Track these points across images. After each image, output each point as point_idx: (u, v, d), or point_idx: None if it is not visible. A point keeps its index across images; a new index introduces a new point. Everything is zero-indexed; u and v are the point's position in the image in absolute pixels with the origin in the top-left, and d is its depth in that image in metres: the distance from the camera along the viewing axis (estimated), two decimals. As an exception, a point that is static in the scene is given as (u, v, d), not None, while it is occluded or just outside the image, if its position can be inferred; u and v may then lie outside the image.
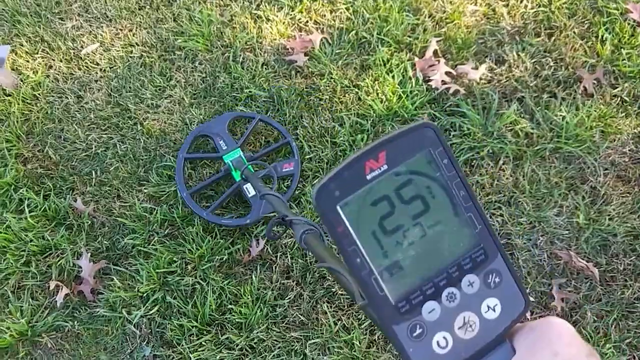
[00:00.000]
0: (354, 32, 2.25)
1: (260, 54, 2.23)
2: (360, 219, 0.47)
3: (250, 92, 2.15)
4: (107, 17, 2.37)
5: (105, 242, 1.95)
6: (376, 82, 2.15)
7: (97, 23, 2.36)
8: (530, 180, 1.98)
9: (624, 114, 2.07)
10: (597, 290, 1.83)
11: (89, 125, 2.16)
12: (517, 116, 2.06)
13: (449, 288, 0.48)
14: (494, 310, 0.49)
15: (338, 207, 0.46)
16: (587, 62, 2.15)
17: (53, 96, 2.22)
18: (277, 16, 2.31)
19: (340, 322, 1.80)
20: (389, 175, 0.47)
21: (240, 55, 2.24)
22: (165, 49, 2.27)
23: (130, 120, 2.14)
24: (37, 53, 2.31)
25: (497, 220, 1.92)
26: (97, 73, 2.25)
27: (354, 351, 1.74)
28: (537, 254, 1.88)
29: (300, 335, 1.79)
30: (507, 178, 1.99)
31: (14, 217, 1.95)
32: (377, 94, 2.12)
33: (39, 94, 2.22)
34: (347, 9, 2.31)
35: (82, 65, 2.27)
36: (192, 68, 2.22)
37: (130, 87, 2.20)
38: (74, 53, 2.30)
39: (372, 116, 2.08)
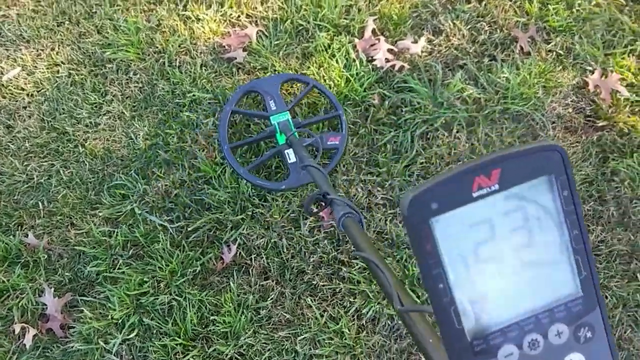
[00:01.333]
0: (289, 21, 2.28)
1: (197, 55, 2.22)
2: (454, 240, 0.43)
3: (193, 95, 2.13)
4: (24, 38, 2.27)
5: (66, 274, 1.89)
6: (321, 69, 2.19)
7: (14, 46, 2.26)
8: (485, 144, 2.09)
9: (560, 67, 2.22)
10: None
11: (25, 155, 2.08)
12: (463, 84, 2.16)
13: (534, 334, 0.44)
14: None
15: (431, 222, 0.41)
16: (519, 21, 2.29)
17: (-21, 130, 2.12)
18: (207, 14, 2.30)
19: (326, 313, 1.84)
20: (498, 197, 0.42)
21: (176, 59, 2.21)
22: (94, 64, 2.21)
23: (69, 144, 2.08)
24: (-49, 86, 2.20)
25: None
26: (24, 99, 2.16)
27: (345, 339, 1.79)
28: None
29: (289, 334, 1.81)
30: (463, 145, 2.09)
31: (-39, 266, 1.86)
32: (325, 80, 2.17)
33: (-37, 130, 2.12)
34: (279, -2, 2.34)
35: (6, 93, 2.17)
36: (127, 79, 2.18)
37: (63, 109, 2.14)
38: (-6, 81, 2.20)
39: (324, 103, 2.13)
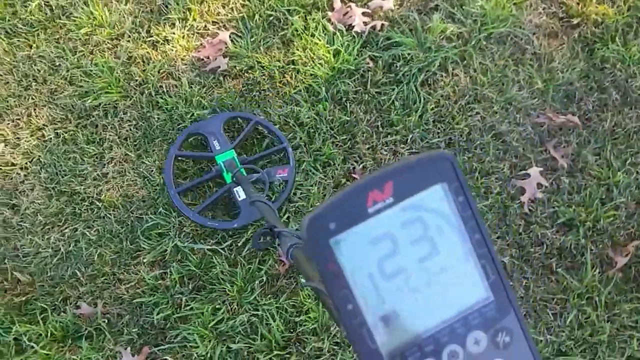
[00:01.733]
0: (257, 15, 2.23)
1: (180, 75, 2.14)
2: (357, 258, 0.42)
3: (192, 115, 2.06)
4: (-6, 113, 2.13)
5: (133, 330, 1.79)
6: (306, 51, 2.16)
7: (-13, 124, 2.12)
8: (483, 72, 2.13)
9: (523, -18, 2.29)
10: (584, 134, 2.04)
11: (42, 229, 1.95)
12: (443, 24, 2.19)
13: (452, 345, 0.43)
14: None
15: (331, 242, 0.41)
16: (470, -49, 2.34)
17: (-16, 219, 1.97)
18: (173, 33, 2.22)
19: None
20: (394, 210, 0.42)
21: (161, 86, 2.13)
22: (78, 116, 2.09)
23: (84, 202, 1.97)
24: (-64, 185, 2.02)
25: (477, 119, 2.05)
26: (18, 174, 2.02)
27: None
28: (522, 129, 2.05)
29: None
30: (464, 80, 2.12)
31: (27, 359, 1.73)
32: (314, 60, 2.14)
33: (-34, 225, 1.96)
34: (237, -3, 2.29)
35: (-3, 173, 2.03)
36: (119, 120, 2.08)
37: (64, 171, 2.01)
38: (-21, 165, 2.05)
39: (321, 82, 2.10)
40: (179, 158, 2.00)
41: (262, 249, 1.86)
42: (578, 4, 2.25)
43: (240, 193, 1.89)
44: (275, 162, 2.04)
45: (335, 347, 1.74)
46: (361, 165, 2.00)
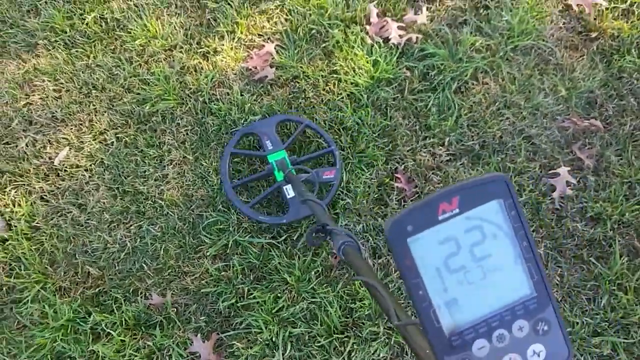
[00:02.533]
0: (300, 28, 2.39)
1: (231, 84, 2.29)
2: (427, 255, 0.52)
3: (244, 121, 2.21)
4: (57, 118, 2.25)
5: (201, 318, 1.92)
6: (347, 61, 2.32)
7: (51, 129, 2.24)
8: (511, 81, 2.30)
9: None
10: (606, 137, 2.21)
11: (109, 226, 2.07)
12: (472, 37, 2.37)
13: (500, 329, 0.53)
14: (538, 355, 0.54)
15: (408, 242, 0.51)
16: (495, -30, 2.53)
17: (54, 217, 2.08)
18: (223, 45, 2.37)
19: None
20: (459, 219, 0.52)
21: (214, 93, 2.28)
22: (138, 121, 2.23)
23: (148, 201, 2.10)
24: (6, 187, 2.14)
25: (507, 123, 2.22)
26: (83, 175, 2.15)
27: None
28: (549, 133, 2.22)
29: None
30: (494, 88, 2.29)
31: (103, 346, 1.85)
32: (354, 70, 2.30)
33: (38, 224, 2.07)
34: (280, 11, 2.45)
35: (64, 175, 2.15)
36: (176, 126, 2.22)
37: (127, 172, 2.14)
38: (47, 167, 2.17)
39: (362, 90, 2.26)
40: (235, 156, 2.14)
41: (315, 245, 1.99)
42: (595, 19, 2.44)
43: (289, 191, 2.02)
44: (323, 164, 2.19)
45: (389, 332, 1.88)
46: (403, 166, 2.15)
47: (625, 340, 1.84)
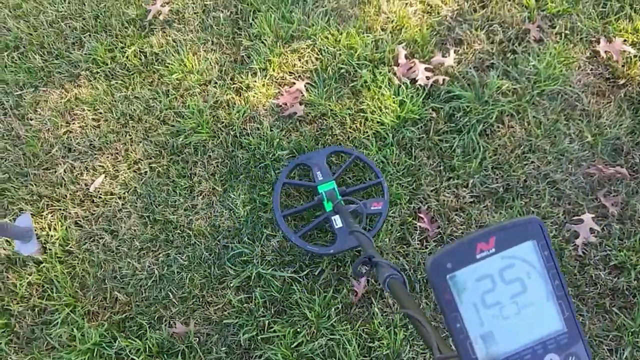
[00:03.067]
0: (329, 68, 2.46)
1: (261, 119, 2.37)
2: (465, 291, 0.56)
3: (273, 155, 2.27)
4: (95, 147, 2.35)
5: (222, 349, 1.96)
6: (374, 100, 2.38)
7: (89, 157, 2.34)
8: (537, 125, 2.32)
9: (572, 45, 2.50)
10: (631, 185, 2.20)
11: (138, 253, 2.14)
12: (499, 80, 2.40)
13: None
14: None
15: (447, 278, 0.55)
16: (523, 15, 2.57)
17: (86, 242, 2.17)
18: (255, 82, 2.46)
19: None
20: (495, 257, 0.56)
21: (244, 128, 2.35)
22: (171, 152, 2.32)
23: (177, 230, 2.17)
24: (44, 211, 2.23)
25: (532, 167, 2.23)
26: (117, 202, 2.23)
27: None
28: (574, 179, 2.22)
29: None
30: (519, 132, 2.31)
31: (126, 370, 1.90)
32: (381, 109, 2.36)
33: (71, 248, 2.16)
34: (312, 51, 2.53)
35: (98, 202, 2.24)
36: (207, 158, 2.30)
37: (158, 201, 2.22)
38: (82, 194, 2.26)
39: (388, 129, 2.31)
40: (286, 186, 2.20)
41: (360, 276, 2.01)
42: (623, 66, 2.45)
43: (337, 221, 2.04)
44: (372, 195, 2.22)
45: (406, 372, 1.89)
46: (426, 206, 2.18)
47: (647, 395, 1.81)
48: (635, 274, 2.00)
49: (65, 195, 2.26)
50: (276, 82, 2.48)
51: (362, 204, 1.92)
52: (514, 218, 0.66)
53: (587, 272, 2.02)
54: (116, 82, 2.50)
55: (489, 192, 2.20)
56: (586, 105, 2.37)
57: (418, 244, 2.11)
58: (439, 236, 2.12)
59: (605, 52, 2.47)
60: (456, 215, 2.15)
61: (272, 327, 1.97)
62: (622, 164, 2.24)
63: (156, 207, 2.21)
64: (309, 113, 2.38)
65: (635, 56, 2.45)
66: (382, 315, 1.98)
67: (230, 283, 2.06)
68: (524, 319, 0.56)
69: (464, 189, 2.21)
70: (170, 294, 2.06)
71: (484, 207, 2.16)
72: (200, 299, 2.05)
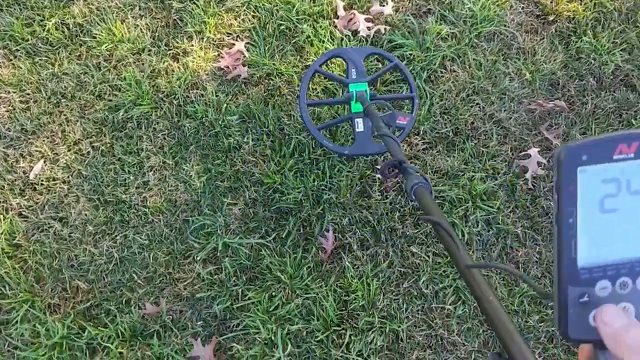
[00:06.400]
0: (269, 25, 2.36)
1: (204, 85, 2.25)
2: (589, 188, 0.52)
3: (222, 121, 2.18)
4: (27, 131, 2.15)
5: (197, 323, 1.91)
6: (318, 55, 2.32)
7: (22, 142, 2.14)
8: (477, 67, 2.35)
9: (502, -15, 2.54)
10: (570, 116, 2.30)
11: (93, 238, 2.01)
12: (437, 26, 2.40)
13: (626, 277, 0.53)
14: None
15: (578, 170, 0.52)
16: (454, -41, 2.56)
17: (35, 233, 2.01)
18: (192, 46, 2.32)
19: (430, 253, 2.03)
20: (632, 163, 0.52)
21: (188, 96, 2.23)
22: (113, 128, 2.16)
23: (131, 210, 2.05)
24: (-20, 205, 2.04)
25: (478, 109, 2.28)
26: (62, 187, 2.07)
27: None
28: (517, 116, 2.29)
29: (411, 283, 1.99)
30: (462, 75, 2.34)
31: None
32: (325, 64, 2.30)
33: (19, 241, 1.99)
34: (247, 8, 2.41)
35: (41, 189, 2.07)
36: (152, 131, 2.17)
37: (106, 181, 2.08)
38: (22, 182, 2.08)
39: (337, 84, 2.27)
40: (317, 74, 2.11)
41: (386, 178, 1.89)
42: (551, 2, 2.51)
43: (359, 125, 1.95)
44: (400, 109, 2.18)
45: (383, 319, 1.92)
46: (382, 157, 2.18)
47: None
48: (580, 199, 2.12)
49: (3, 186, 2.07)
50: (214, 44, 2.35)
51: (393, 113, 1.81)
52: None
53: (538, 204, 2.12)
54: (40, 59, 2.28)
55: (439, 137, 2.23)
56: (521, 44, 2.42)
57: (379, 195, 2.11)
58: (397, 185, 2.14)
59: (534, -10, 2.52)
60: (411, 163, 2.17)
61: (246, 295, 1.94)
62: (559, 97, 2.33)
63: (105, 188, 2.08)
64: (254, 74, 2.29)
65: (561, -8, 2.52)
66: (353, 268, 1.99)
67: (197, 257, 1.99)
68: (634, 234, 0.54)
69: (416, 136, 2.23)
70: (134, 275, 1.97)
71: (437, 152, 2.19)
72: (168, 277, 1.98)
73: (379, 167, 2.16)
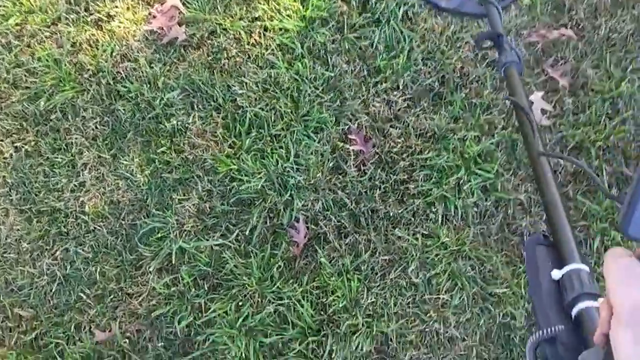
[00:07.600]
0: (206, -31, 1.92)
1: (136, 56, 1.86)
2: None
3: (162, 99, 1.82)
4: (-64, 136, 1.83)
5: (159, 344, 1.68)
6: (270, 3, 1.89)
7: None
8: (465, -5, 1.92)
9: None
10: (579, 46, 1.89)
11: (30, 256, 1.74)
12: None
13: None
14: None
15: None
16: None
17: (-38, 259, 1.75)
18: (116, 7, 1.90)
19: (418, 234, 1.73)
20: None
21: (118, 72, 1.86)
22: (35, 122, 1.82)
23: (69, 219, 1.76)
24: None
25: (467, 49, 1.87)
26: (-15, 201, 1.78)
27: (448, 247, 1.71)
28: (518, 52, 1.88)
29: (398, 272, 1.71)
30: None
31: (52, 399, 1.61)
32: (280, 12, 1.88)
33: (-56, 269, 1.75)
34: (178, -50, 1.96)
35: (-39, 205, 1.79)
36: (81, 120, 1.82)
37: (36, 188, 1.78)
38: (-62, 200, 1.79)
39: (294, 37, 1.86)
40: None
41: (480, 49, 1.80)
42: None
43: None
44: None
45: (369, 320, 1.67)
46: (356, 124, 1.82)
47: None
48: (595, 151, 1.77)
49: None
50: (143, 1, 1.93)
51: None
52: None
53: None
54: (-64, 44, 1.90)
55: (423, 90, 1.85)
56: (518, -42, 1.96)
57: (355, 170, 1.79)
58: (377, 156, 1.80)
59: None
60: (391, 127, 1.81)
61: (209, 307, 1.69)
62: (566, 24, 1.90)
63: (36, 195, 1.78)
64: (194, 35, 1.89)
65: None
66: (330, 263, 1.71)
67: (149, 266, 1.72)
68: None
69: (395, 92, 1.85)
70: (82, 295, 1.71)
71: (421, 110, 1.83)
72: (120, 293, 1.72)
73: (352, 137, 1.81)
